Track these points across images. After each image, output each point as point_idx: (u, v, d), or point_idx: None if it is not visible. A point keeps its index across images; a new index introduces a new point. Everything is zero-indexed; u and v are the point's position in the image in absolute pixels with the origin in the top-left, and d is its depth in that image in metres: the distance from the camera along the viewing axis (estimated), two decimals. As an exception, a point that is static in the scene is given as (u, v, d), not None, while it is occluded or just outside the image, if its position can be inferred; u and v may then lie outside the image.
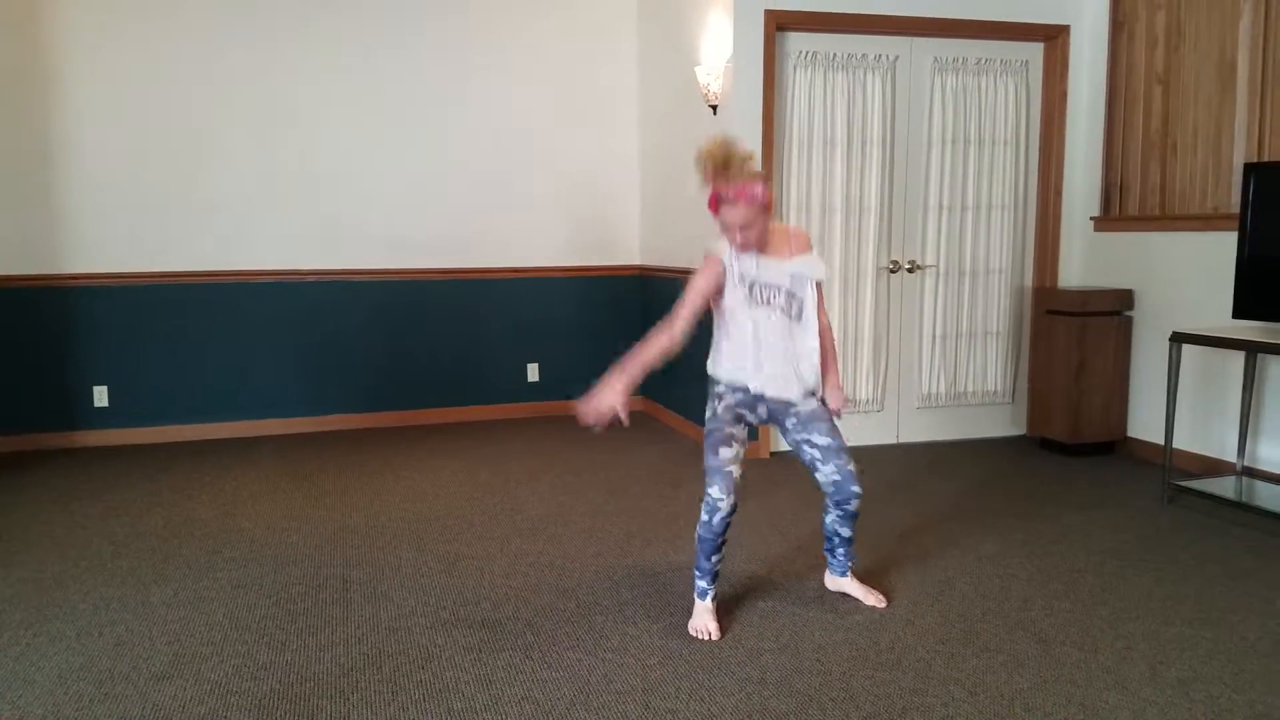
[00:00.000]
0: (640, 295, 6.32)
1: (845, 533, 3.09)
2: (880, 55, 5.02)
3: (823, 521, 3.12)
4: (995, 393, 5.44)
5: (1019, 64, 5.22)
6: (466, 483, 4.65)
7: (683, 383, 5.60)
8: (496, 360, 6.13)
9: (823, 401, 2.96)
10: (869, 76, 5.01)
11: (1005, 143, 5.25)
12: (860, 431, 5.23)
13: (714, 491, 2.85)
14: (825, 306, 2.95)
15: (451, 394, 6.05)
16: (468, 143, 5.90)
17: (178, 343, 5.56)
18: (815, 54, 4.93)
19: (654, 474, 4.77)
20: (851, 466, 2.95)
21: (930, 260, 5.25)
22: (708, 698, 2.51)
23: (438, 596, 3.22)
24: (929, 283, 5.27)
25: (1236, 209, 4.22)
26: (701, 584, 2.95)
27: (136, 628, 2.98)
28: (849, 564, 3.17)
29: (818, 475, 2.96)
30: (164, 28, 5.38)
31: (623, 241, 6.31)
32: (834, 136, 4.99)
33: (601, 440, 5.49)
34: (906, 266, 5.21)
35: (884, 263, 5.17)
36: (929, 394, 5.34)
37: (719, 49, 4.88)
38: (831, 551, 3.16)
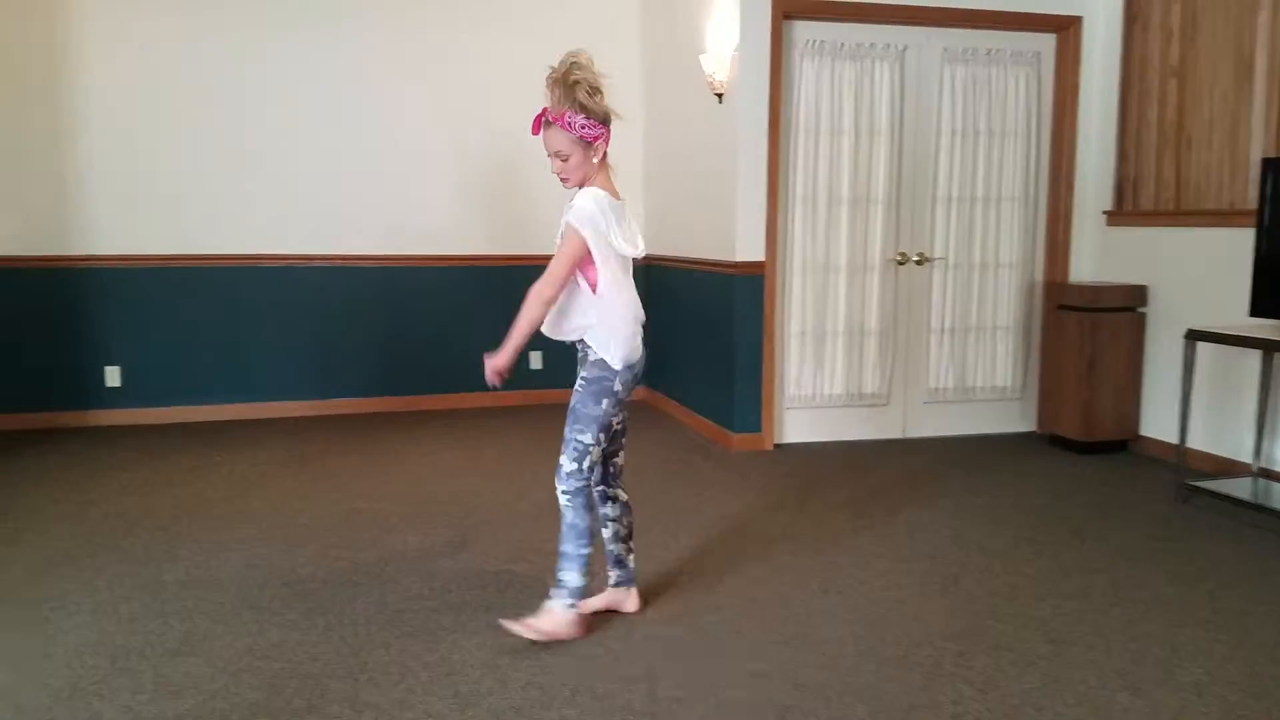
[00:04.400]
0: (643, 284, 6.27)
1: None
2: (889, 45, 5.00)
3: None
4: (1004, 388, 5.43)
5: (1030, 55, 5.20)
6: (470, 468, 4.68)
7: (683, 373, 5.62)
8: (496, 346, 6.12)
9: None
10: (877, 66, 5.00)
11: (1016, 135, 5.23)
12: (866, 426, 5.24)
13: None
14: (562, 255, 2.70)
15: (455, 380, 6.05)
16: (467, 129, 5.88)
17: (188, 325, 5.60)
18: (823, 43, 4.91)
19: (654, 462, 4.79)
20: (560, 459, 2.77)
21: (939, 253, 5.25)
22: (712, 689, 2.53)
23: (443, 580, 3.25)
24: (937, 276, 5.26)
25: (1253, 205, 4.19)
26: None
27: (149, 605, 3.01)
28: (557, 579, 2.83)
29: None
30: (177, 13, 5.39)
31: (629, 230, 6.29)
32: (841, 126, 4.98)
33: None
34: (915, 259, 5.21)
35: (892, 255, 5.16)
36: (936, 388, 5.34)
37: (725, 37, 4.87)
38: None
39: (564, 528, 2.74)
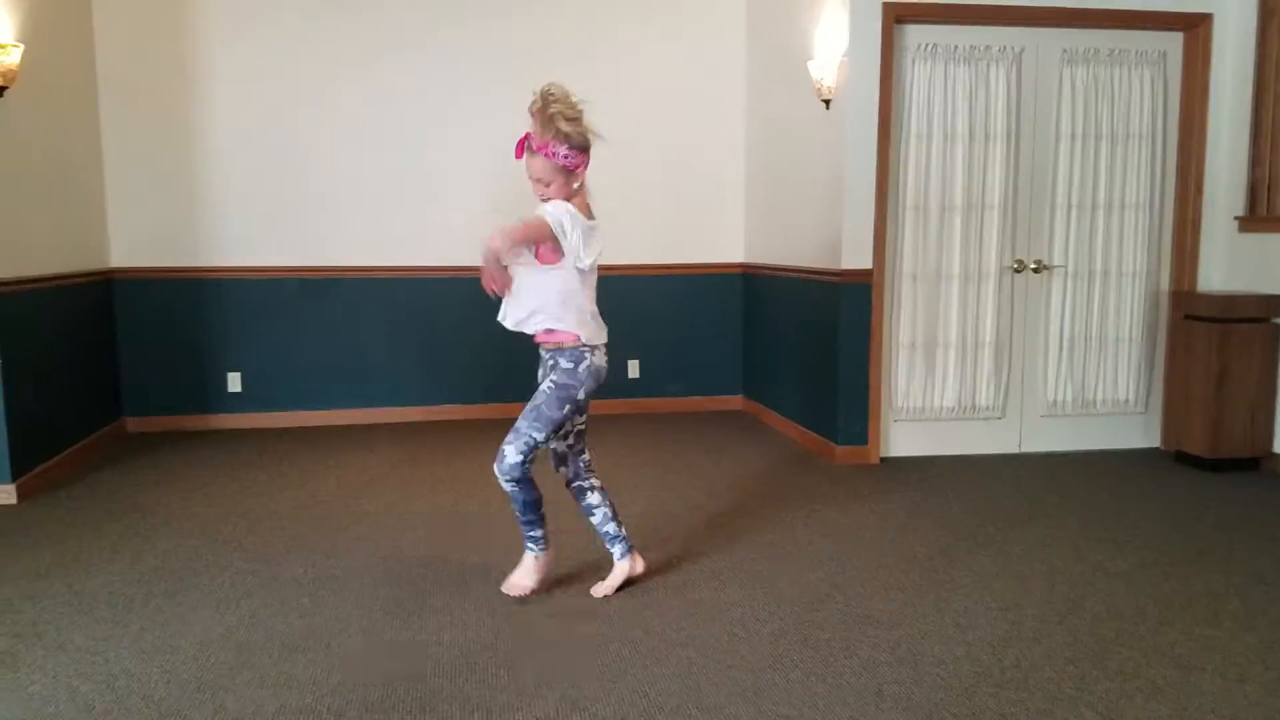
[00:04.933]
0: (743, 293, 6.28)
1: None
2: (1005, 47, 4.86)
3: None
4: (1126, 402, 5.20)
5: (1156, 55, 4.98)
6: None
7: (783, 382, 5.55)
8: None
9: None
10: (992, 69, 4.86)
11: (1141, 138, 5.01)
12: (979, 439, 5.08)
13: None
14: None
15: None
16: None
17: (304, 333, 5.81)
18: (935, 46, 4.80)
19: (755, 474, 4.74)
20: (505, 448, 2.96)
21: (1058, 260, 5.06)
22: (822, 707, 2.47)
23: (548, 585, 3.27)
24: (1056, 284, 5.07)
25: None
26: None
27: (270, 602, 3.13)
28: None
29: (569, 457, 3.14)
30: (299, 40, 5.62)
31: (726, 239, 6.27)
32: (954, 131, 4.86)
33: (700, 439, 5.51)
34: (1032, 267, 5.03)
35: (1008, 263, 5.00)
36: (1054, 401, 5.14)
37: (833, 43, 4.80)
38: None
39: (517, 507, 3.05)
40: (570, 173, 2.81)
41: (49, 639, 2.85)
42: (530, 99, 2.81)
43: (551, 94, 2.78)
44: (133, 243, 5.57)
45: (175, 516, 4.04)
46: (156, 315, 5.64)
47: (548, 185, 2.81)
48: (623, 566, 3.22)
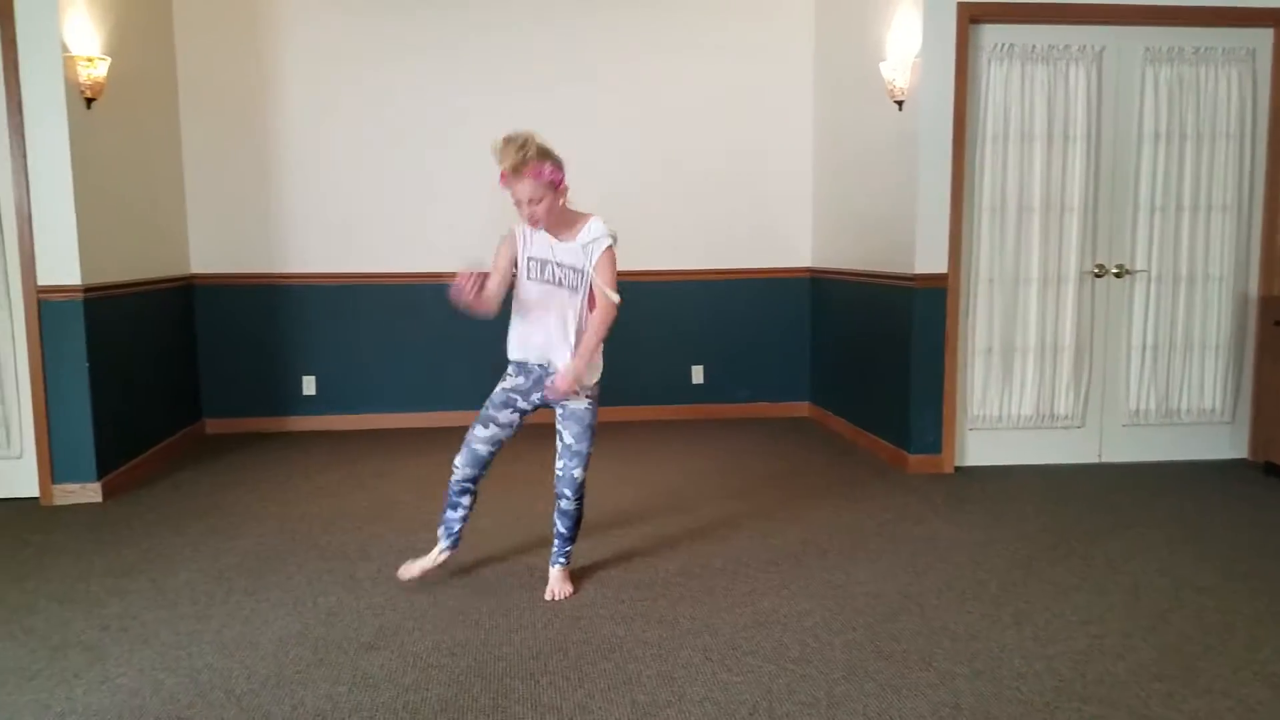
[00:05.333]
0: (810, 298, 6.21)
1: (559, 527, 3.28)
2: (1085, 46, 4.73)
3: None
4: (1212, 411, 5.01)
5: (1244, 52, 4.80)
6: (636, 481, 4.70)
7: (852, 389, 5.47)
8: (659, 362, 6.17)
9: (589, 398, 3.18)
10: (1072, 69, 4.74)
11: (1228, 137, 4.83)
12: (1058, 448, 4.94)
13: (457, 460, 3.23)
14: (605, 289, 3.06)
15: (614, 394, 6.09)
16: (633, 141, 5.95)
17: (376, 338, 5.91)
18: (1012, 46, 4.69)
19: (825, 483, 4.68)
20: (576, 472, 3.18)
21: (1140, 265, 4.90)
22: (897, 719, 2.43)
23: (615, 589, 3.28)
24: (1139, 289, 4.92)
25: None
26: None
27: (346, 600, 3.18)
28: (560, 559, 3.30)
29: (557, 463, 3.22)
30: (368, 49, 5.73)
31: (793, 243, 6.22)
32: (1032, 132, 4.74)
33: (767, 446, 5.46)
34: (1113, 271, 4.89)
35: (1088, 267, 4.86)
36: (1136, 410, 4.98)
37: (906, 43, 4.73)
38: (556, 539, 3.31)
39: (576, 522, 3.28)
40: (556, 187, 2.97)
41: (134, 633, 2.94)
42: (495, 153, 2.94)
43: (511, 138, 2.92)
44: (212, 249, 5.73)
45: (253, 516, 4.13)
46: (234, 320, 5.80)
47: (538, 203, 2.95)
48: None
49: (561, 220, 3.04)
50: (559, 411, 3.19)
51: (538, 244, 3.07)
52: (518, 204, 2.98)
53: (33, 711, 2.47)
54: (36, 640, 2.90)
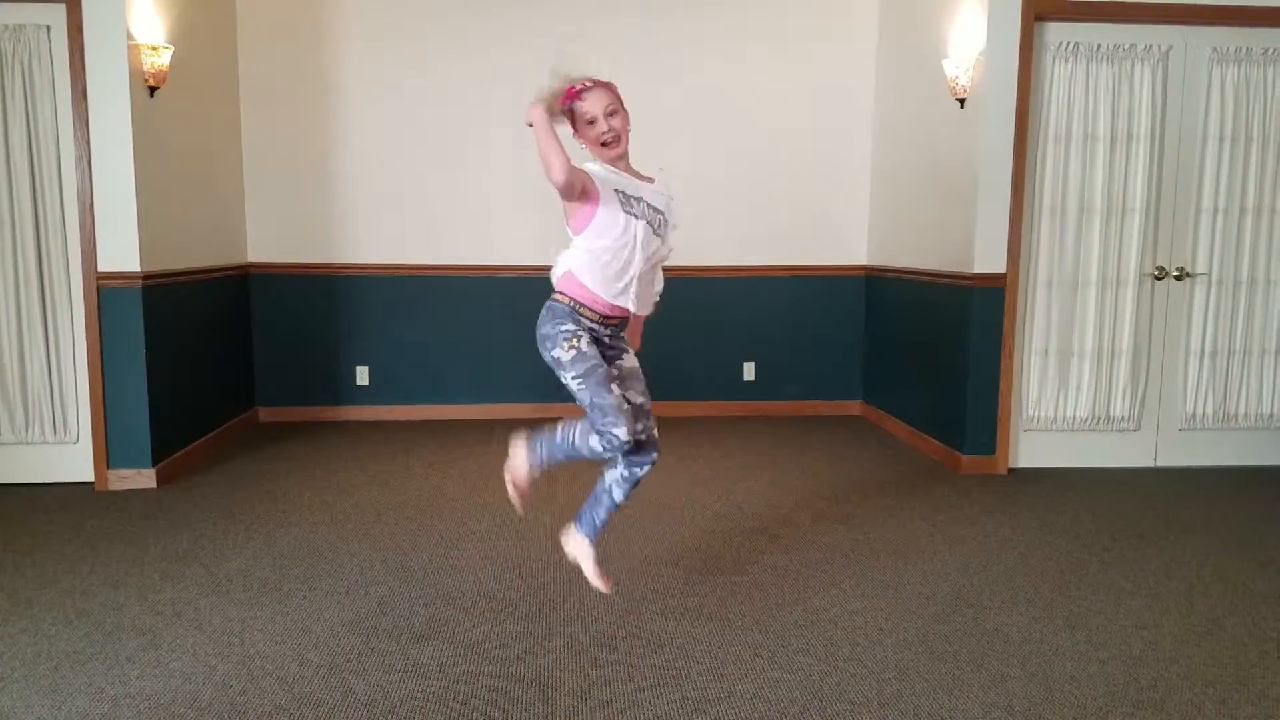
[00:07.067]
0: (865, 295, 6.15)
1: (618, 496, 2.92)
2: (1151, 46, 4.63)
3: (601, 475, 2.95)
4: (1271, 416, 4.89)
5: (1314, 53, 4.68)
6: (685, 476, 4.69)
7: (905, 387, 5.41)
8: (711, 357, 6.15)
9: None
10: (1137, 69, 4.64)
11: (1295, 140, 4.72)
12: (1113, 452, 4.86)
13: (621, 434, 2.61)
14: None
15: (666, 389, 6.08)
16: (694, 137, 5.94)
17: (429, 329, 5.96)
18: (1077, 45, 4.61)
19: (877, 482, 4.63)
20: (656, 431, 2.89)
21: (1201, 268, 4.79)
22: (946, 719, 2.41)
23: (665, 584, 3.27)
24: (1199, 292, 4.81)
25: None
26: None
27: (397, 589, 3.21)
28: (598, 530, 2.95)
29: (637, 424, 2.78)
30: (425, 42, 5.77)
31: (849, 240, 6.16)
32: (1095, 132, 4.65)
33: (818, 443, 5.42)
34: (1174, 274, 4.78)
35: (1148, 269, 4.76)
36: (1194, 414, 4.88)
37: (970, 40, 4.66)
38: (592, 510, 2.95)
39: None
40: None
41: (188, 618, 2.99)
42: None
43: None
44: (268, 239, 5.82)
45: (306, 504, 4.19)
46: (289, 310, 5.88)
47: (618, 114, 2.68)
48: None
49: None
50: (613, 371, 2.82)
51: (624, 180, 2.71)
52: (589, 122, 2.65)
53: (87, 695, 2.51)
54: (90, 624, 2.95)
